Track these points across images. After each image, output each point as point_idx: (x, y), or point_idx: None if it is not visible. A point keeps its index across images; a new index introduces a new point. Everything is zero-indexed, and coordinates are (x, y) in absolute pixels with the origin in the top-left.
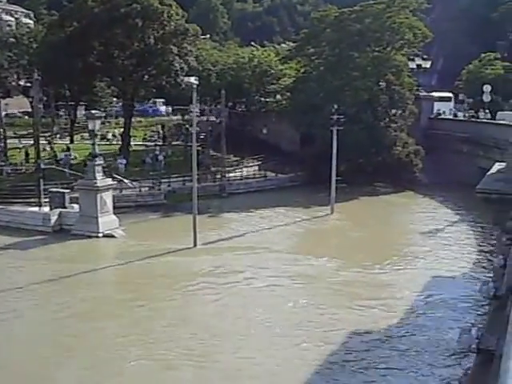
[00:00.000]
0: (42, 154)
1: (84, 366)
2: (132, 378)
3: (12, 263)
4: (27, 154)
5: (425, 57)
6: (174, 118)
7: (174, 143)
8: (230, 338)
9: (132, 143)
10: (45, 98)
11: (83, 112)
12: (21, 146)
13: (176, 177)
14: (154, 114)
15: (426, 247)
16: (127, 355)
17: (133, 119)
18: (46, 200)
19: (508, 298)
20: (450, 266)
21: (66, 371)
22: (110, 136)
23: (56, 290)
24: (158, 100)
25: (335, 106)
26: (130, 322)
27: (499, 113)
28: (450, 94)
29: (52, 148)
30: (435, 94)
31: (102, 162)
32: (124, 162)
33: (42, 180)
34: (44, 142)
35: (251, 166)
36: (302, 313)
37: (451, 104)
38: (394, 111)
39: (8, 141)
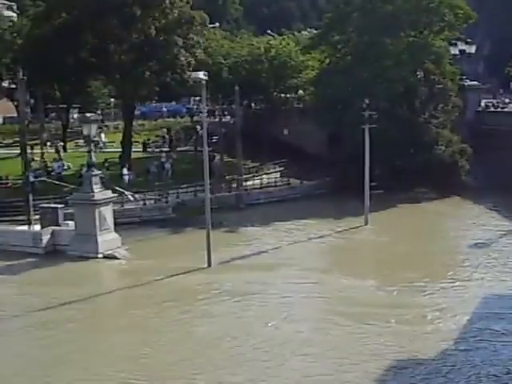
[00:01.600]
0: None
1: None
2: None
3: None
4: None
5: (469, 40)
6: (182, 119)
7: (181, 149)
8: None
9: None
10: (32, 101)
11: (76, 115)
12: None
13: (185, 187)
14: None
15: (476, 262)
16: None
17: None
18: (37, 217)
19: None
20: (504, 283)
21: None
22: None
23: (44, 322)
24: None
25: (366, 101)
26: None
27: None
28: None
29: (59, 155)
30: None
31: (99, 171)
32: (129, 173)
33: (31, 194)
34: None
35: (272, 173)
36: (334, 342)
37: None
38: (434, 105)
39: None
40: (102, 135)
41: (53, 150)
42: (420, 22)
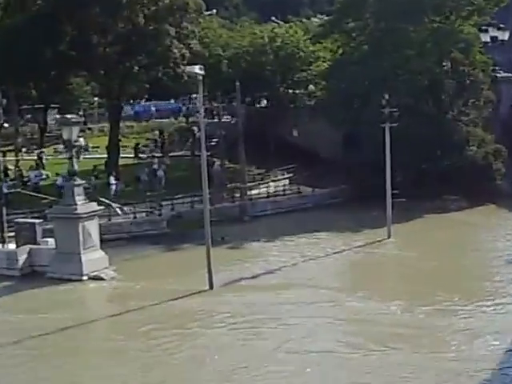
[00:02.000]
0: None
1: None
2: None
3: None
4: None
5: (501, 26)
6: (176, 120)
7: (176, 153)
8: None
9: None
10: (4, 101)
11: (55, 117)
12: None
13: (181, 197)
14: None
15: None
16: None
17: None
18: (11, 234)
19: None
20: None
21: None
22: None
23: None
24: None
25: (386, 96)
26: None
27: None
28: None
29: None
30: None
31: (83, 181)
32: (116, 182)
33: (4, 208)
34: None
35: (280, 180)
36: (360, 370)
37: None
38: (464, 100)
39: None
40: (81, 140)
41: (28, 157)
42: (445, 6)
